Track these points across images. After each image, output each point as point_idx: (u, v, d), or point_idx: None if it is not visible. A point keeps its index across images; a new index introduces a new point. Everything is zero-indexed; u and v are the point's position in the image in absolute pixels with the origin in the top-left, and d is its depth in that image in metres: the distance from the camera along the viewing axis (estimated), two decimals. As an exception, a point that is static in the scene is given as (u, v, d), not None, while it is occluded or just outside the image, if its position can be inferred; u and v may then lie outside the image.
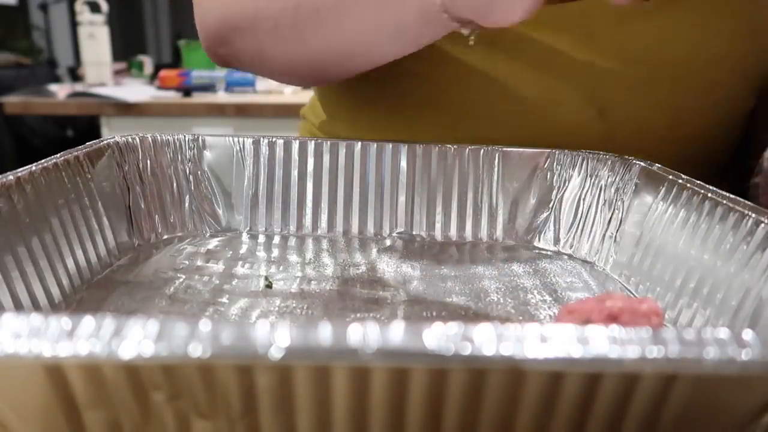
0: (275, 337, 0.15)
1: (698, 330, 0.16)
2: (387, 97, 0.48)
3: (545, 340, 0.15)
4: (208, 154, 0.41)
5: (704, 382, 0.15)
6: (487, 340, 0.15)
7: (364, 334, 0.15)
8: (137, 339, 0.15)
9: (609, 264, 0.38)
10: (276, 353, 0.15)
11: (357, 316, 0.31)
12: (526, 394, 0.15)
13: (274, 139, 0.42)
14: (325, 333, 0.15)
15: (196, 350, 0.15)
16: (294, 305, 0.31)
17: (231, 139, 0.41)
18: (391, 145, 0.42)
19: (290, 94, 1.58)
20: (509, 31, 0.41)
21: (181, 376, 0.16)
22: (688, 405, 0.16)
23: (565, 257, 0.40)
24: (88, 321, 0.15)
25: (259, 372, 0.15)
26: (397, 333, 0.15)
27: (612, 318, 0.22)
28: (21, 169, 0.29)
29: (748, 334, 0.16)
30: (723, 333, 0.16)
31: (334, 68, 0.42)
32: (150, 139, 0.40)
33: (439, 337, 0.15)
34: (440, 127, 0.46)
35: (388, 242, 0.41)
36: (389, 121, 0.48)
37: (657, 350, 0.15)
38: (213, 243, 0.39)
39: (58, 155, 0.32)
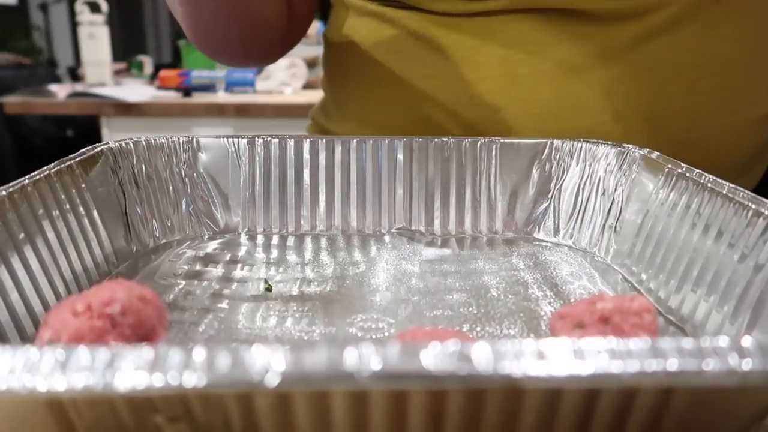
0: (271, 364, 0.15)
1: (697, 340, 0.15)
2: (400, 100, 0.47)
3: (543, 357, 0.15)
4: (203, 156, 0.41)
5: (704, 394, 0.15)
6: (485, 359, 0.15)
7: (360, 356, 0.15)
8: (131, 369, 0.15)
9: (609, 254, 0.38)
10: (272, 380, 0.14)
11: (357, 317, 0.31)
12: (524, 411, 0.15)
13: (269, 139, 0.41)
14: (320, 357, 0.15)
15: (191, 380, 0.14)
16: (294, 308, 0.31)
17: (226, 140, 0.41)
18: (387, 140, 0.42)
19: (290, 94, 1.58)
20: (528, 34, 0.43)
21: (178, 401, 0.15)
22: (688, 415, 0.16)
23: (566, 248, 0.40)
24: (82, 352, 0.15)
25: (257, 398, 0.15)
26: (393, 354, 0.15)
27: (604, 319, 0.21)
28: (12, 183, 0.29)
29: (747, 341, 0.16)
30: (722, 341, 0.16)
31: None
32: (144, 142, 0.40)
33: (436, 357, 0.15)
34: (455, 130, 0.46)
35: (387, 239, 0.41)
36: (401, 122, 0.48)
37: (656, 363, 0.15)
38: (212, 246, 0.39)
39: (51, 165, 0.32)
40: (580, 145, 0.41)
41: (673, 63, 0.43)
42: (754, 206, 0.28)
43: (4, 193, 0.28)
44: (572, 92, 0.43)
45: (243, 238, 0.41)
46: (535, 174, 0.42)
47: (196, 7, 0.44)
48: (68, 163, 0.33)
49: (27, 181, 0.30)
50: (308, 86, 1.64)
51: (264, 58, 0.55)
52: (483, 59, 0.44)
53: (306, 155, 0.41)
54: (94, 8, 1.65)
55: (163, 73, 1.58)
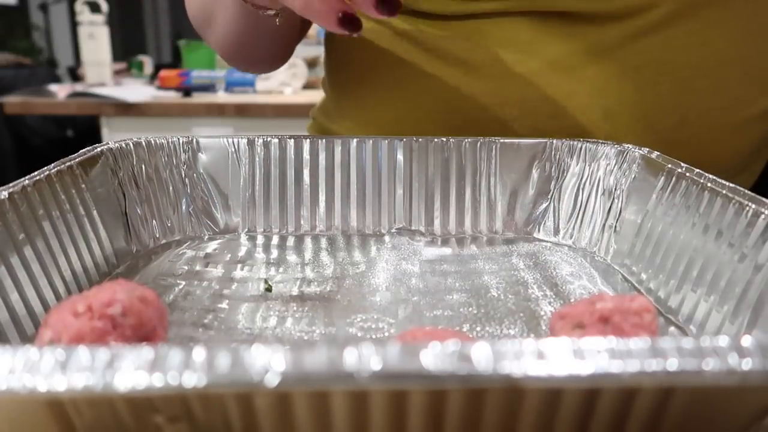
0: (271, 364, 0.15)
1: (697, 340, 0.15)
2: (398, 100, 0.48)
3: (543, 357, 0.15)
4: (202, 156, 0.41)
5: (704, 393, 0.15)
6: (485, 359, 0.15)
7: (360, 356, 0.15)
8: (132, 369, 0.15)
9: (609, 254, 0.38)
10: (272, 380, 0.14)
11: (357, 317, 0.31)
12: (524, 411, 0.15)
13: (269, 139, 0.41)
14: (320, 357, 0.15)
15: (191, 380, 0.14)
16: (294, 308, 0.31)
17: (225, 140, 0.41)
18: (387, 141, 0.42)
19: (290, 94, 1.58)
20: (521, 34, 0.43)
21: (178, 401, 0.15)
22: (688, 415, 0.16)
23: (566, 248, 0.40)
24: (81, 352, 0.15)
25: (257, 398, 0.15)
26: (393, 354, 0.15)
27: (604, 319, 0.21)
28: (12, 183, 0.29)
29: (747, 341, 0.16)
30: (722, 341, 0.16)
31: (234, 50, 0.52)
32: (144, 143, 0.40)
33: (436, 357, 0.15)
34: (448, 128, 0.46)
35: (387, 239, 0.41)
36: (400, 121, 0.48)
37: (656, 363, 0.15)
38: (212, 246, 0.39)
39: (51, 166, 0.32)
40: (579, 145, 0.41)
41: (664, 61, 0.43)
42: (754, 206, 0.28)
43: (4, 193, 0.28)
44: (563, 90, 0.43)
45: (243, 239, 0.41)
46: (534, 174, 0.42)
47: (257, 22, 0.46)
48: (68, 163, 0.33)
49: (27, 181, 0.30)
50: (308, 86, 1.65)
51: (281, 63, 0.57)
52: (476, 59, 0.44)
53: (306, 155, 0.41)
54: (94, 8, 1.65)
55: (163, 73, 1.59)
